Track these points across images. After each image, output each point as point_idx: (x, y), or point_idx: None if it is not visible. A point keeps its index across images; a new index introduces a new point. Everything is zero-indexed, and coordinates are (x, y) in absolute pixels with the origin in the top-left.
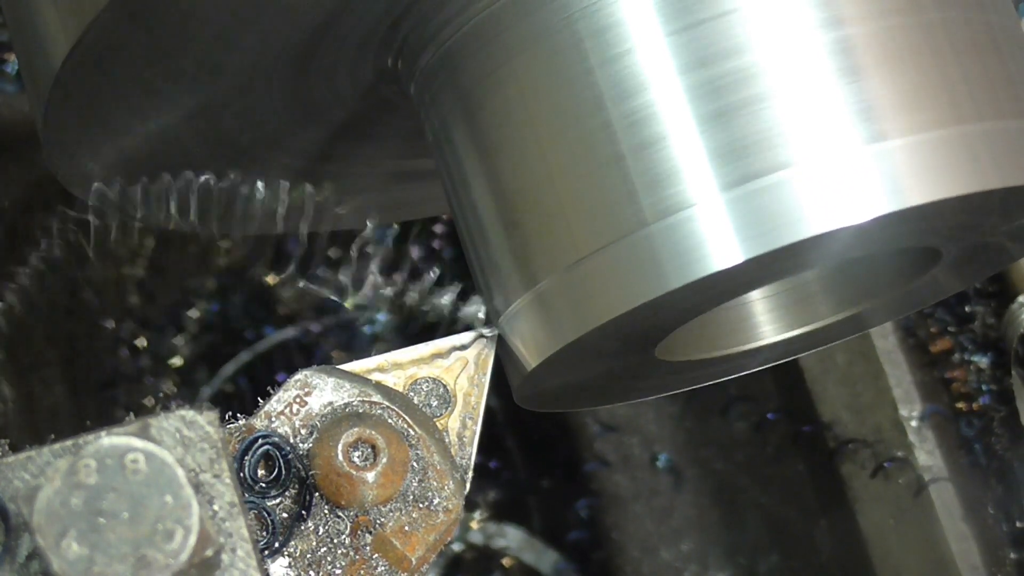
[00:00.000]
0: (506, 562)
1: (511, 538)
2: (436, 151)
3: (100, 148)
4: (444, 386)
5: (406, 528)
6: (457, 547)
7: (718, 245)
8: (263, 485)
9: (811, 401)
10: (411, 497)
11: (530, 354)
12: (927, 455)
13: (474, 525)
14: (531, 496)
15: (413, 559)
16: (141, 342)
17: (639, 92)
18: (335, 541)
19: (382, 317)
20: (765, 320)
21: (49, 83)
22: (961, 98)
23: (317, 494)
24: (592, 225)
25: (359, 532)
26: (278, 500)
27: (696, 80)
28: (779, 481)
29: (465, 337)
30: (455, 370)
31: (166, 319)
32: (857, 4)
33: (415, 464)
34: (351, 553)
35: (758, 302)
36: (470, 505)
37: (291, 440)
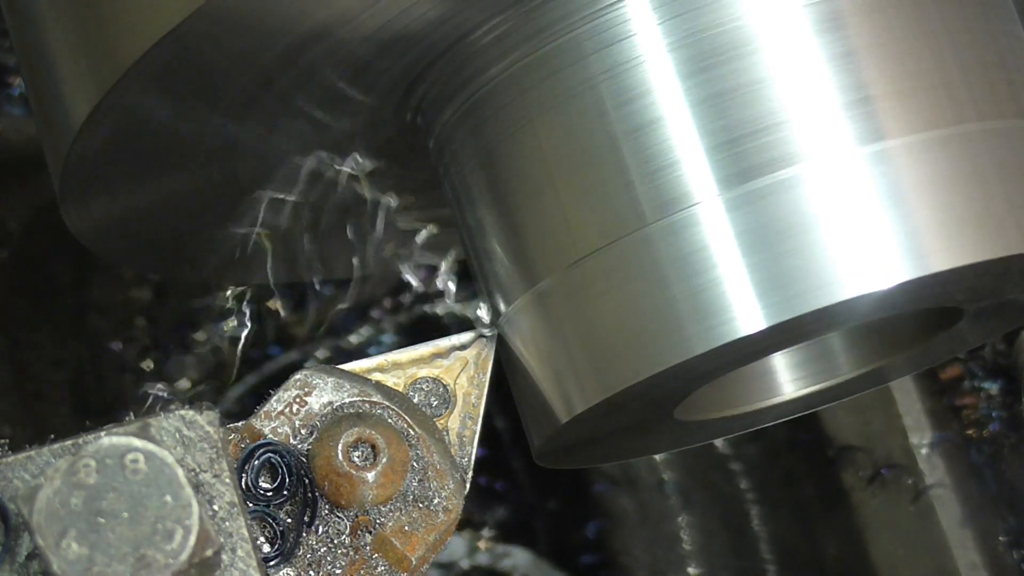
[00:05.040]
0: None
1: (518, 559)
2: (455, 205)
3: (114, 202)
4: (444, 386)
5: (406, 528)
6: (464, 568)
7: (742, 310)
8: (264, 491)
9: (821, 428)
10: (411, 497)
11: (561, 410)
12: (937, 483)
13: (481, 546)
14: (537, 518)
15: (413, 559)
16: (148, 365)
17: (664, 154)
18: (335, 541)
19: (388, 339)
20: (786, 378)
21: (68, 144)
22: (996, 196)
23: (317, 493)
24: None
25: (359, 532)
26: (281, 505)
27: (720, 143)
28: (788, 506)
29: (465, 337)
30: (455, 370)
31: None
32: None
33: (415, 464)
34: (351, 553)
35: (778, 358)
36: (476, 525)
37: (291, 441)
